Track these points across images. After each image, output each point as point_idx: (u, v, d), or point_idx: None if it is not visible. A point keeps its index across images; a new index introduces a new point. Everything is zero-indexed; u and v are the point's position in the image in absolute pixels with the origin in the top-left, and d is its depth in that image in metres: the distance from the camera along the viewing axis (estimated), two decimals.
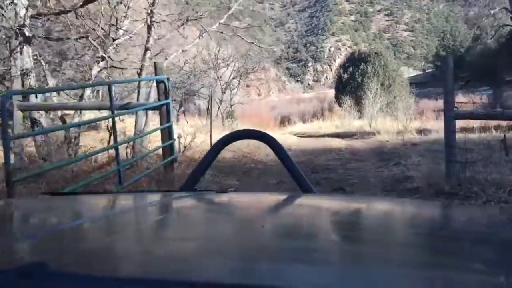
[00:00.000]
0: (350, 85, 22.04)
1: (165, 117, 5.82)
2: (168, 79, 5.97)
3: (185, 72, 13.87)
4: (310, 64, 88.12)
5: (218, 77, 17.66)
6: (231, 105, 18.81)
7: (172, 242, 0.62)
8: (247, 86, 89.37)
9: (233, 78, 19.49)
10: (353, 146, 11.81)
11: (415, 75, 49.08)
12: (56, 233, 0.65)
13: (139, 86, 7.66)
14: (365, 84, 20.26)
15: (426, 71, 54.42)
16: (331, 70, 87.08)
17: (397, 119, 13.98)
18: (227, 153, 7.53)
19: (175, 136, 6.41)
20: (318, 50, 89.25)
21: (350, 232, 0.74)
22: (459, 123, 5.85)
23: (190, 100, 18.25)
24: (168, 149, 5.88)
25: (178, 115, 16.74)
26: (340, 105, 21.86)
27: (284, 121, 31.92)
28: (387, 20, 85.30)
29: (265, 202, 1.08)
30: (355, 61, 22.77)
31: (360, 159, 8.71)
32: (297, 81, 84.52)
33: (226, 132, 2.10)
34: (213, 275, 0.44)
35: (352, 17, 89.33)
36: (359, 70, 21.85)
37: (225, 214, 0.92)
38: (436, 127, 11.74)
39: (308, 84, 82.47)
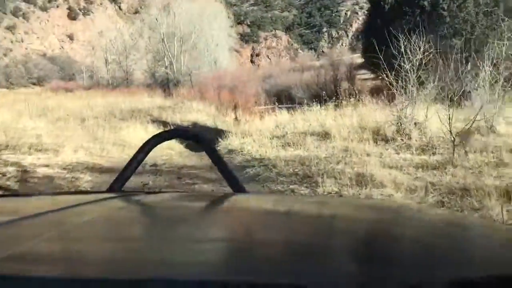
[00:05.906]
0: (402, 19, 8.18)
1: None
2: None
3: None
4: (324, 29, 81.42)
5: None
6: None
7: (98, 242, 0.61)
8: (257, 55, 77.07)
9: None
10: None
11: None
12: None
13: None
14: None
15: None
16: (347, 36, 75.00)
17: None
18: None
19: None
20: (333, 15, 78.66)
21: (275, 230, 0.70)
22: None
23: None
24: None
25: None
26: (374, 71, 8.71)
27: (280, 98, 19.63)
28: None
29: (196, 202, 1.04)
30: None
31: None
32: (311, 48, 75.35)
33: None
34: (132, 272, 0.46)
35: None
36: None
37: (151, 215, 0.89)
38: None
39: (322, 51, 71.16)
